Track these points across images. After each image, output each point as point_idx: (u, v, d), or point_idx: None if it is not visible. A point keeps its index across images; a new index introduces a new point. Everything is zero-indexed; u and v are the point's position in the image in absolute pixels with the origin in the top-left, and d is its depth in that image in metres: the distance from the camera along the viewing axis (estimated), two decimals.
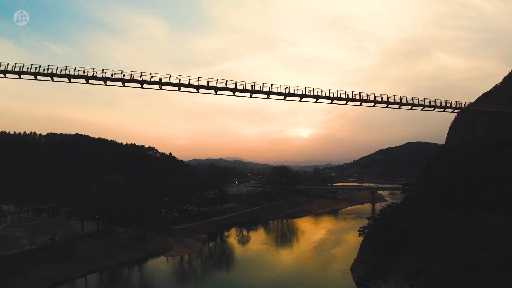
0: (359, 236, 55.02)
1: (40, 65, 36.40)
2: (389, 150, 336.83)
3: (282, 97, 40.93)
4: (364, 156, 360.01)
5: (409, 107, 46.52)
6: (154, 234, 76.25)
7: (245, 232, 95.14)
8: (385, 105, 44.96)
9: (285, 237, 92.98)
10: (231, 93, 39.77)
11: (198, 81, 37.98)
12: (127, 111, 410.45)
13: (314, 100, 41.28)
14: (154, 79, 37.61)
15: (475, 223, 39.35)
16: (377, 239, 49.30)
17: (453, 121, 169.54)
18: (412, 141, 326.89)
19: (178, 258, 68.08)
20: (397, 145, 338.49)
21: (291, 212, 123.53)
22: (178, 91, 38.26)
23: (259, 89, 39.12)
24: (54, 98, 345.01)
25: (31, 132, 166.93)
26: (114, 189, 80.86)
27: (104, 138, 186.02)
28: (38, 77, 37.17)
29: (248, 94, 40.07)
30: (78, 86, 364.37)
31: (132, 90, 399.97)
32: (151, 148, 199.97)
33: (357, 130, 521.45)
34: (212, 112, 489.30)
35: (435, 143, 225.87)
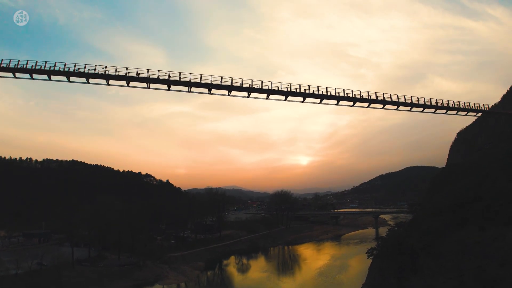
0: (368, 258, 51.82)
1: (18, 60, 34.34)
2: (389, 176, 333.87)
3: (283, 97, 38.04)
4: (364, 182, 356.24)
5: (432, 110, 44.71)
6: (148, 261, 72.34)
7: (244, 260, 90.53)
8: (395, 107, 42.31)
9: (287, 264, 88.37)
10: (226, 92, 36.95)
11: (190, 78, 35.16)
12: (125, 139, 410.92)
13: (318, 101, 38.53)
14: (141, 75, 34.94)
15: (491, 238, 37.02)
16: (386, 260, 46.28)
17: (453, 142, 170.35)
18: (411, 165, 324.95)
19: (174, 287, 63.90)
20: (397, 170, 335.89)
21: (292, 238, 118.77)
22: (168, 90, 35.73)
23: (257, 87, 36.31)
24: (52, 126, 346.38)
25: (27, 158, 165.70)
26: (108, 212, 77.58)
27: (100, 165, 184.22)
28: (17, 74, 35.27)
29: (246, 94, 37.28)
30: (76, 114, 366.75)
31: (130, 118, 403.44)
32: (148, 175, 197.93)
33: (356, 157, 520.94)
34: (211, 141, 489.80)
35: (434, 167, 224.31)
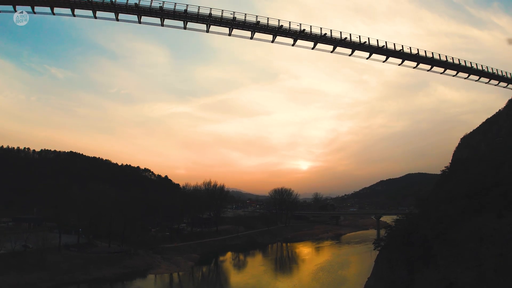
0: (374, 249, 48.61)
1: None
2: (390, 181, 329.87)
3: (291, 41, 33.26)
4: (365, 188, 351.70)
5: (477, 77, 42.06)
6: (140, 250, 69.44)
7: (241, 254, 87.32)
8: (443, 69, 40.61)
9: (286, 260, 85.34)
10: (227, 30, 32.03)
11: (186, 9, 29.99)
12: (125, 138, 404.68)
13: (331, 48, 33.93)
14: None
15: (511, 225, 34.00)
16: (396, 251, 43.11)
17: (457, 147, 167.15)
18: (412, 172, 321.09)
19: (167, 277, 60.82)
20: (398, 176, 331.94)
21: (291, 236, 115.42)
22: (162, 25, 30.97)
23: (264, 25, 31.21)
24: (53, 122, 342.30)
25: (24, 148, 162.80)
26: (99, 199, 74.77)
27: (99, 157, 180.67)
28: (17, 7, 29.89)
29: (249, 34, 32.35)
30: (77, 111, 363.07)
31: (130, 117, 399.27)
32: (146, 170, 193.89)
33: (356, 163, 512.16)
34: (211, 142, 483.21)
35: (436, 174, 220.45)
